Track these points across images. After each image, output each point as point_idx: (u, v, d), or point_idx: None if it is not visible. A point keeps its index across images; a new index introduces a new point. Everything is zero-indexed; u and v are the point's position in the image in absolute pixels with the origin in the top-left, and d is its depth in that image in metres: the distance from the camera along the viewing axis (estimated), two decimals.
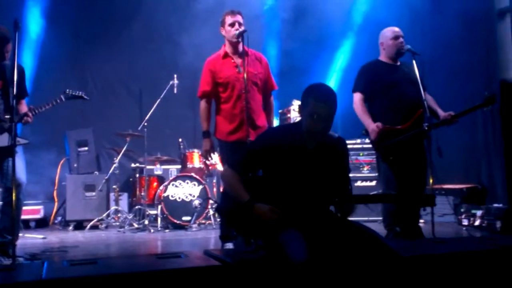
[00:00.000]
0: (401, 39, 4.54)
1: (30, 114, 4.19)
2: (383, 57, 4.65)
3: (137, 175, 7.09)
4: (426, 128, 4.21)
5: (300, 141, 2.83)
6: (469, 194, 6.42)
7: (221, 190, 7.12)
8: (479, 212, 5.84)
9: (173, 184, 6.63)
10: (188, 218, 6.51)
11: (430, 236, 4.19)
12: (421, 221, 5.20)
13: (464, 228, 5.79)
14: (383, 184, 4.55)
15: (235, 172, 2.87)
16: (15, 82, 3.77)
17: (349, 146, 3.13)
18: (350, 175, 3.05)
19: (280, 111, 7.49)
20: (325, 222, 2.76)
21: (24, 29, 7.22)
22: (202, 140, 4.47)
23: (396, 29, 4.60)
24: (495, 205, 5.85)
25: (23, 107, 4.31)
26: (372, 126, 4.37)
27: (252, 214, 2.72)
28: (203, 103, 4.45)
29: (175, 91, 6.92)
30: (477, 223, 5.76)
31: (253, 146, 2.95)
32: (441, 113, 4.43)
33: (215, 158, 6.62)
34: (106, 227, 6.69)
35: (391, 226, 4.40)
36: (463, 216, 6.02)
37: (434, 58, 6.94)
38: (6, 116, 4.07)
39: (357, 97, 4.54)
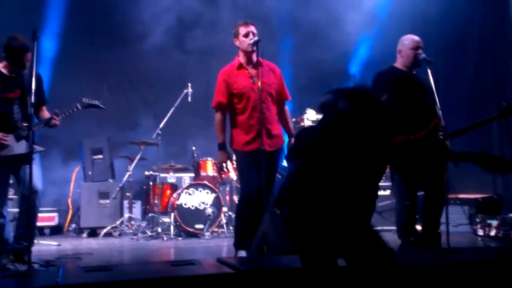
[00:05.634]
0: (420, 50, 4.46)
1: (56, 117, 4.26)
2: (399, 65, 4.56)
3: (151, 183, 7.13)
4: (441, 138, 4.18)
5: None
6: (484, 203, 6.35)
7: (234, 198, 7.16)
8: (494, 222, 5.78)
9: (186, 192, 6.65)
10: (201, 226, 6.51)
11: (445, 246, 4.15)
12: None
13: (479, 238, 5.73)
14: (397, 194, 4.53)
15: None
16: (33, 91, 3.84)
17: None
18: None
19: (293, 119, 7.49)
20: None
21: (41, 37, 7.33)
22: (217, 151, 4.46)
23: (417, 38, 4.51)
24: (511, 215, 5.78)
25: (45, 114, 4.37)
26: None
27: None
28: (218, 116, 4.45)
29: (189, 99, 6.96)
30: (492, 233, 5.70)
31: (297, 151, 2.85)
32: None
33: (229, 167, 6.65)
34: (120, 235, 6.71)
35: (406, 236, 4.37)
36: (478, 226, 5.96)
37: (448, 67, 6.92)
38: (24, 124, 4.12)
39: None
